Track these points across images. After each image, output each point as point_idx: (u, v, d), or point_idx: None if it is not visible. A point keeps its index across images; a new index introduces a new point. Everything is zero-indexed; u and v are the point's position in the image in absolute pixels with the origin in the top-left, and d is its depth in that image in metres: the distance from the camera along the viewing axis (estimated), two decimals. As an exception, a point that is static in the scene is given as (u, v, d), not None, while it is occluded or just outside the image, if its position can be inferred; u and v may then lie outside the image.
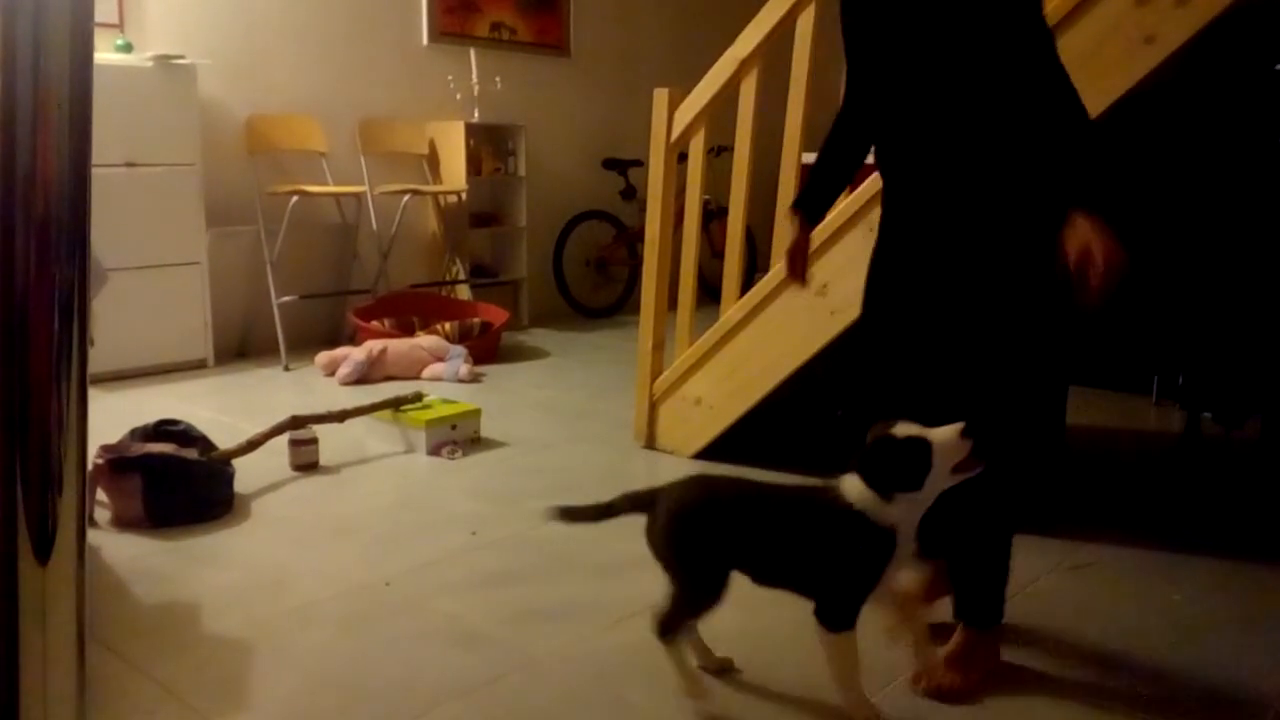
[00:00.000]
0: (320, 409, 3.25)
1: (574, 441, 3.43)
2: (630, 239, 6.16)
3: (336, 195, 4.94)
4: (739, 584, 1.70)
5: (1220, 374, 3.62)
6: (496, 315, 5.00)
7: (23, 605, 0.53)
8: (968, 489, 1.64)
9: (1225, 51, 3.23)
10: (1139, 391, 4.18)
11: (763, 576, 1.71)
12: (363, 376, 4.22)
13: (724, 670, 1.89)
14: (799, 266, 2.14)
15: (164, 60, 4.11)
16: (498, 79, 5.67)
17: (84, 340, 0.53)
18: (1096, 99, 2.34)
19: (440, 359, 4.39)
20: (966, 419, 1.61)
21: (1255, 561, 2.47)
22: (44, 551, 0.53)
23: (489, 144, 5.56)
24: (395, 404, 3.35)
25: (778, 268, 2.95)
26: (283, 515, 2.69)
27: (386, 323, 4.76)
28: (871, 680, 1.81)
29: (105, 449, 2.66)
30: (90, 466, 2.59)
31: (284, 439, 3.07)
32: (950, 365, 1.83)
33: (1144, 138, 3.60)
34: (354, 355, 4.24)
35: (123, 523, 2.58)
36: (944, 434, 1.59)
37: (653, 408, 3.33)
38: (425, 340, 4.46)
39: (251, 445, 2.96)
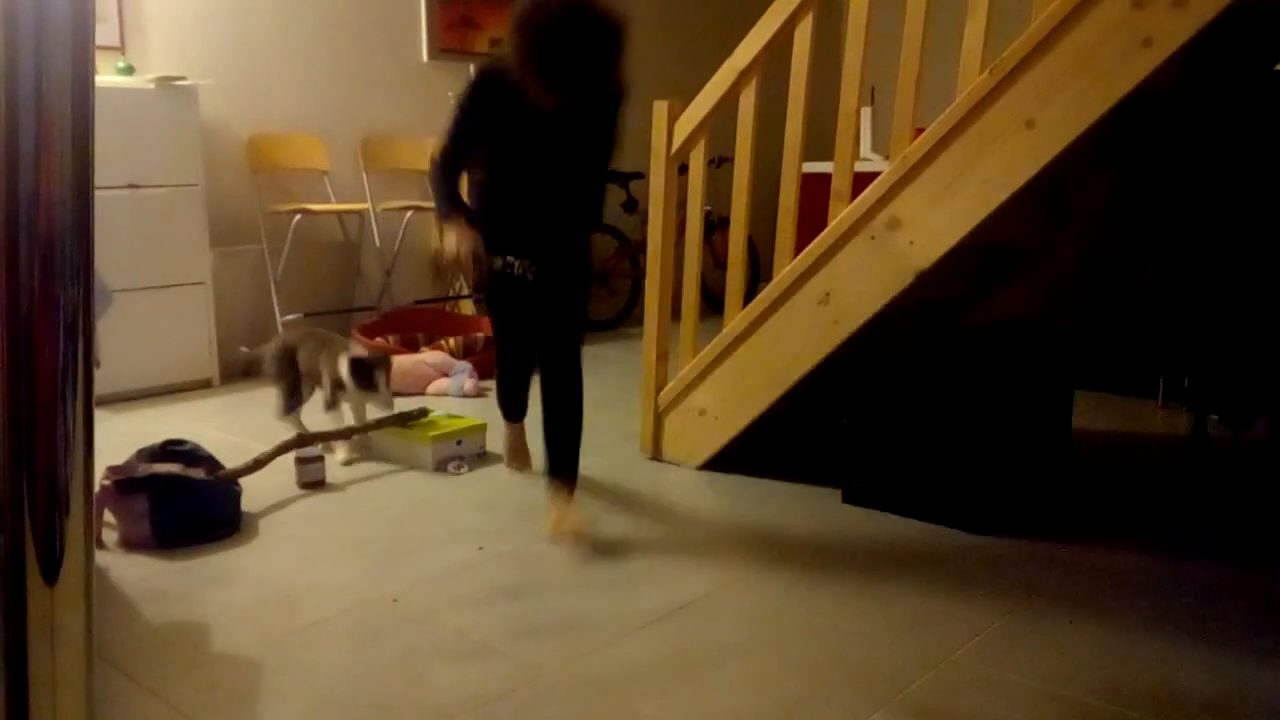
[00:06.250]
0: (326, 426, 3.26)
1: (580, 454, 3.42)
2: (632, 251, 6.17)
3: (339, 213, 4.96)
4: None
5: (1226, 375, 3.61)
6: (500, 329, 5.00)
7: (31, 626, 0.53)
8: None
9: (1225, 54, 3.23)
10: (1145, 394, 4.17)
11: None
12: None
13: None
14: None
15: (166, 82, 4.13)
16: (498, 94, 5.68)
17: (89, 360, 0.53)
18: (1096, 102, 2.35)
19: (445, 374, 4.40)
20: None
21: (1264, 563, 2.47)
22: (51, 572, 0.54)
23: (490, 159, 5.57)
24: (400, 420, 3.35)
25: (780, 276, 2.95)
26: (290, 533, 2.69)
27: (391, 339, 4.77)
28: (875, 687, 1.81)
29: (112, 470, 2.67)
30: (97, 488, 2.59)
31: (290, 457, 3.07)
32: None
33: (1152, 142, 3.60)
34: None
35: (130, 544, 2.58)
36: None
37: (658, 419, 3.33)
38: (430, 356, 4.47)
39: (258, 464, 2.96)
